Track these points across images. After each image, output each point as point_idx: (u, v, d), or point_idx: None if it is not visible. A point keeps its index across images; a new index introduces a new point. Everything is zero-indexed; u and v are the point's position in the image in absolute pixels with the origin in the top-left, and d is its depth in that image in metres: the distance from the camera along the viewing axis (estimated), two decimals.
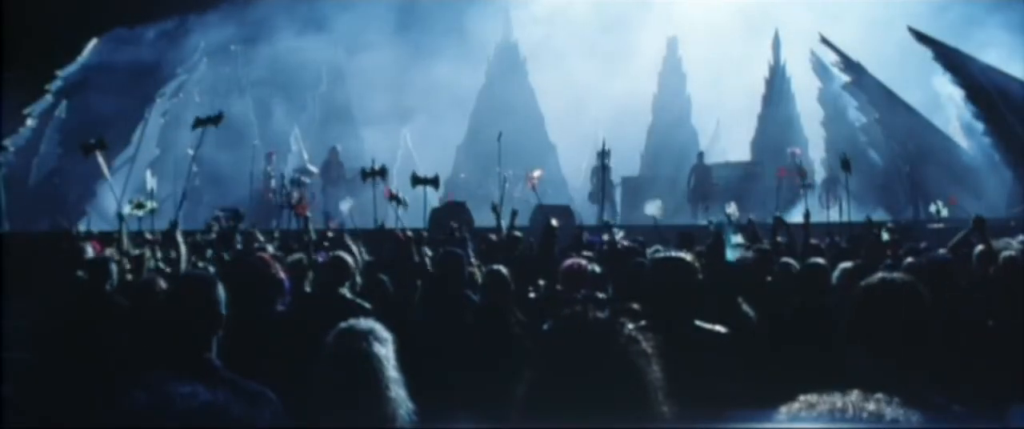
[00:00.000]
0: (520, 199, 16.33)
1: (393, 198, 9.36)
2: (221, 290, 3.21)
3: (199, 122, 8.13)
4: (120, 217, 8.07)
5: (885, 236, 8.79)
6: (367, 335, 3.05)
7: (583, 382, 1.82)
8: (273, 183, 17.40)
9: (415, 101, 19.83)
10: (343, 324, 3.10)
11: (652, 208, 14.05)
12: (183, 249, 6.58)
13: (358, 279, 6.28)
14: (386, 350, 3.04)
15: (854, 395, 1.50)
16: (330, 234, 8.76)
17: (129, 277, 6.28)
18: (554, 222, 8.67)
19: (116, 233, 7.93)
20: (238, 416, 1.67)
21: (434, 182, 10.72)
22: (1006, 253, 5.74)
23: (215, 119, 8.17)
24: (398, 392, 3.00)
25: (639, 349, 1.87)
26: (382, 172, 10.09)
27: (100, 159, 8.70)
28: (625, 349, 1.86)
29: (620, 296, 5.09)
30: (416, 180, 10.53)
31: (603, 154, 16.00)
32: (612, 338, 1.87)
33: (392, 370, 3.02)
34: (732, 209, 10.45)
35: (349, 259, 6.32)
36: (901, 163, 17.45)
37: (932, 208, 11.49)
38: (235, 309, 4.55)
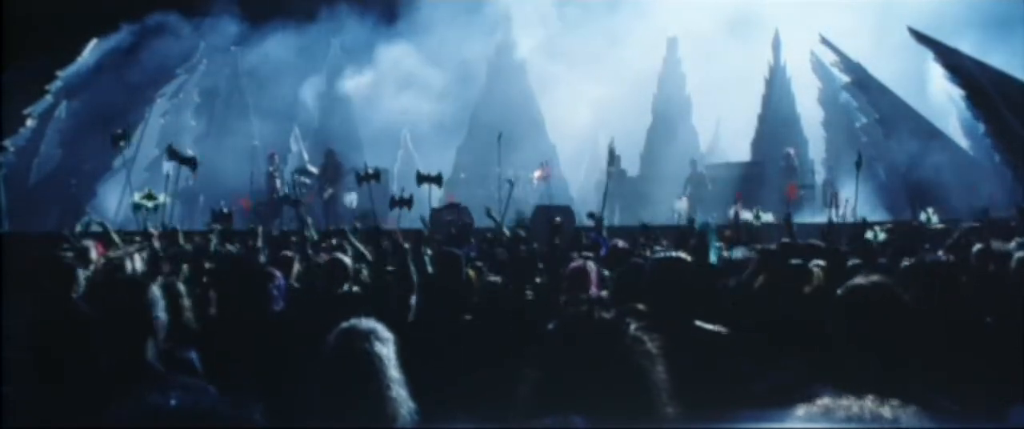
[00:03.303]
0: (520, 200, 16.35)
1: (397, 204, 9.37)
2: (155, 293, 3.18)
3: (173, 155, 8.13)
4: (103, 225, 8.05)
5: (881, 236, 8.79)
6: (368, 335, 3.03)
7: (588, 382, 1.81)
8: (277, 183, 17.41)
9: (415, 101, 19.84)
10: (345, 323, 3.09)
11: (680, 205, 14.27)
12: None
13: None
14: (387, 350, 3.03)
15: (869, 400, 1.50)
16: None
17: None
18: (557, 219, 8.68)
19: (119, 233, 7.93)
20: (227, 419, 1.66)
21: (437, 180, 10.73)
22: (1020, 254, 5.70)
23: (190, 161, 8.20)
24: (399, 392, 2.98)
25: (644, 349, 1.86)
26: (376, 176, 10.09)
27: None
28: (630, 349, 1.85)
29: (620, 296, 5.08)
30: (421, 178, 10.57)
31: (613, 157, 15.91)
32: (617, 338, 1.86)
33: (393, 370, 3.00)
34: (767, 215, 10.34)
35: (347, 260, 6.31)
36: (901, 164, 17.45)
37: (922, 217, 11.41)
38: (232, 308, 4.53)
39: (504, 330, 5.01)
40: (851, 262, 5.75)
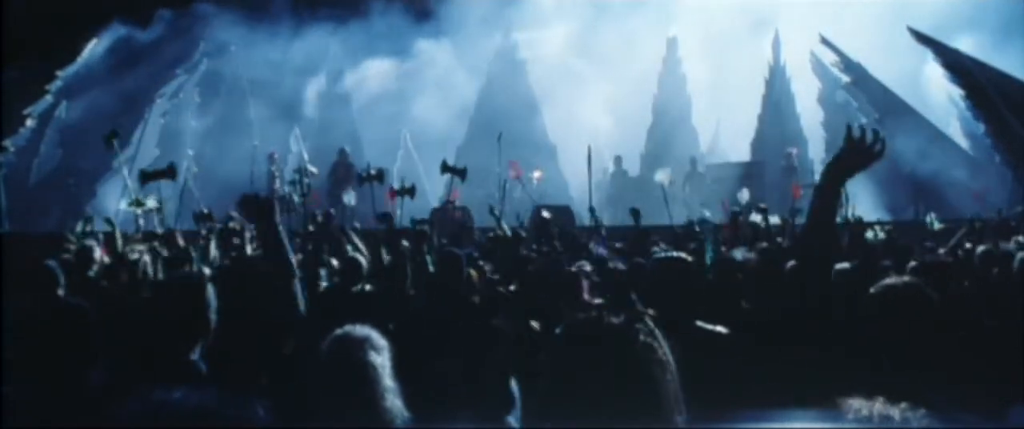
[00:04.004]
0: (520, 200, 16.33)
1: (399, 192, 9.33)
2: (210, 294, 3.18)
3: (147, 177, 8.17)
4: (110, 222, 8.06)
5: (881, 235, 8.80)
6: (363, 343, 2.99)
7: (595, 389, 1.76)
8: (277, 184, 17.40)
9: (415, 101, 19.85)
10: (338, 331, 3.06)
11: (661, 175, 14.31)
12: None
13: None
14: (382, 358, 2.98)
15: (878, 402, 1.50)
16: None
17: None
18: (545, 214, 8.63)
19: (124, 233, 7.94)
20: (231, 417, 1.66)
21: (462, 173, 10.71)
22: (1022, 255, 5.69)
23: (167, 172, 8.23)
24: (394, 402, 2.94)
25: (655, 358, 1.80)
26: (379, 176, 10.08)
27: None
28: (640, 357, 1.79)
29: (619, 295, 5.07)
30: (445, 168, 10.54)
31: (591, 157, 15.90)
32: (627, 345, 1.80)
33: (388, 379, 2.96)
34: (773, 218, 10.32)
35: (362, 260, 6.35)
36: (902, 164, 17.44)
37: (927, 219, 11.45)
38: (239, 309, 4.52)
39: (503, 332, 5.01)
40: (848, 264, 5.71)
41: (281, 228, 4.09)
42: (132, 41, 19.84)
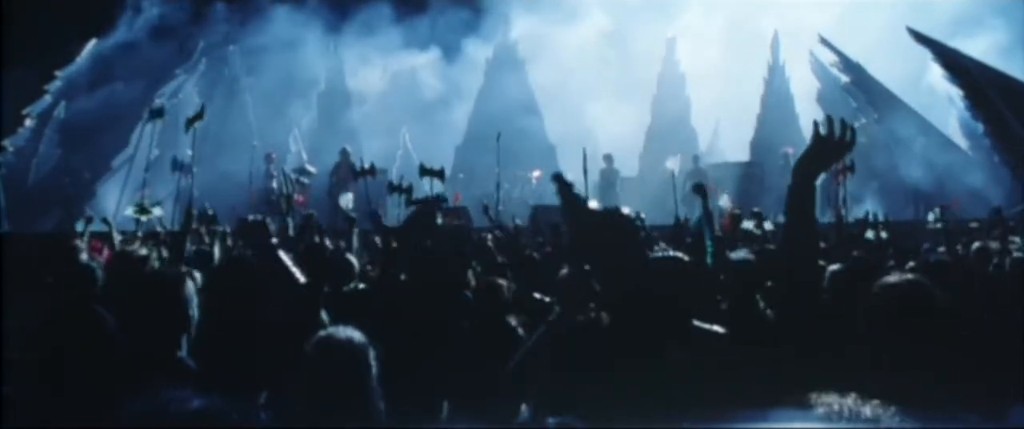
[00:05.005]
0: (519, 200, 16.35)
1: (396, 189, 9.35)
2: (190, 289, 3.19)
3: (190, 122, 8.44)
4: (107, 222, 8.08)
5: (883, 235, 8.81)
6: (346, 345, 2.99)
7: (594, 392, 1.76)
8: (274, 183, 17.41)
9: (415, 101, 19.85)
10: (322, 333, 3.06)
11: (671, 162, 14.39)
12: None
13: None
14: (366, 360, 2.98)
15: (850, 398, 1.49)
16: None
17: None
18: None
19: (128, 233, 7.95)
20: (234, 420, 1.66)
21: (440, 174, 10.73)
22: (1017, 254, 5.70)
23: (199, 115, 8.52)
24: (376, 404, 2.94)
25: (653, 362, 1.81)
26: (371, 171, 10.11)
27: None
28: (641, 360, 1.80)
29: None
30: (424, 171, 10.57)
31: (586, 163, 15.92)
32: (629, 349, 1.80)
33: (372, 380, 2.96)
34: (724, 201, 10.39)
35: (354, 259, 6.35)
36: (901, 164, 17.45)
37: (929, 216, 11.49)
38: (232, 309, 4.51)
39: (503, 331, 5.01)
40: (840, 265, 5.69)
41: (280, 252, 4.15)
42: (130, 41, 19.89)
